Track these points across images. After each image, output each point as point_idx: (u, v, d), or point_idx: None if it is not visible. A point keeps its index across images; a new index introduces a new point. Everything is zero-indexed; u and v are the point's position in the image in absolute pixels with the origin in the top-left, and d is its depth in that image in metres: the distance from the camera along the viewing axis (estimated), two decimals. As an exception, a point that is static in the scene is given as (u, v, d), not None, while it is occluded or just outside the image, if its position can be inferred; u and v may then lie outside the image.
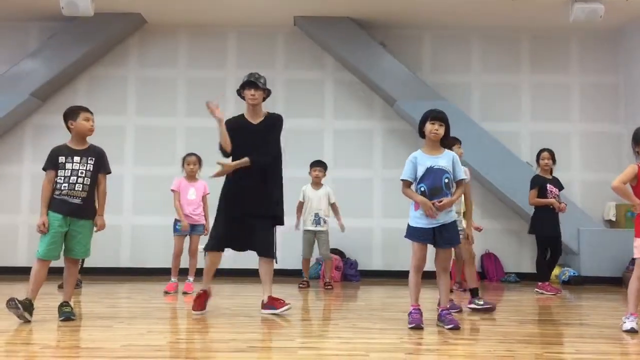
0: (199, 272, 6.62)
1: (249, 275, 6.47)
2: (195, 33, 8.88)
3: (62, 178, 4.45)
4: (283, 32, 8.87)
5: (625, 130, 8.39)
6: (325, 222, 7.24)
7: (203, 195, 6.60)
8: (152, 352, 3.46)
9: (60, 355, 3.43)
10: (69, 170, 4.47)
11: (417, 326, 4.21)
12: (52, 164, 4.49)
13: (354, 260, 8.32)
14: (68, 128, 4.60)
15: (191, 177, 6.61)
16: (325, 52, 8.84)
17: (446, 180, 4.29)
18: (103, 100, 8.59)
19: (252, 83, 4.89)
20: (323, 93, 8.86)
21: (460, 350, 3.67)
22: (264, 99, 4.99)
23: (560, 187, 7.01)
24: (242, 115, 5.02)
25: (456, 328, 4.20)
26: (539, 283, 6.82)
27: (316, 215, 7.22)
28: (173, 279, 6.47)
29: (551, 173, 7.00)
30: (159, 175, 8.22)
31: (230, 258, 7.89)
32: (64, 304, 4.49)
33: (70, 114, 4.58)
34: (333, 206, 7.32)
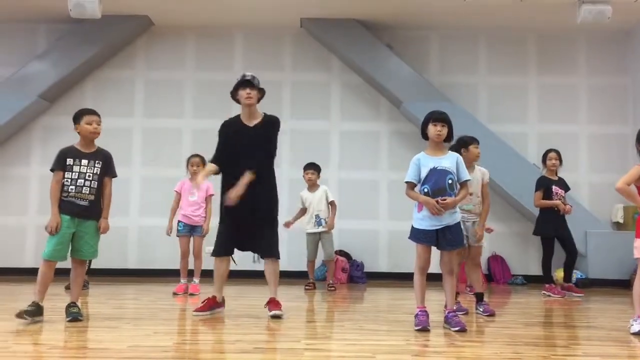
0: (205, 274, 6.66)
1: (253, 276, 6.49)
2: (203, 35, 8.91)
3: (70, 180, 4.47)
4: (290, 34, 8.88)
5: (633, 132, 8.33)
6: (326, 222, 7.23)
7: (207, 196, 6.60)
8: (159, 353, 3.47)
9: (67, 356, 3.44)
10: (77, 173, 4.48)
11: (424, 328, 4.20)
12: (59, 165, 4.50)
13: (360, 262, 8.31)
14: (77, 131, 4.64)
15: (195, 178, 6.62)
16: (331, 54, 8.84)
17: (450, 181, 4.29)
18: (110, 102, 8.64)
19: (247, 82, 4.77)
20: (329, 95, 8.86)
21: (467, 352, 3.65)
22: (258, 100, 4.86)
23: (566, 188, 6.99)
24: (238, 116, 4.91)
25: (463, 330, 4.19)
26: (546, 285, 6.80)
27: (317, 216, 7.21)
28: (182, 280, 6.49)
29: (557, 174, 6.98)
30: (166, 176, 8.24)
31: (235, 260, 7.88)
32: (72, 305, 4.50)
33: (75, 118, 4.61)
34: (331, 204, 7.29)
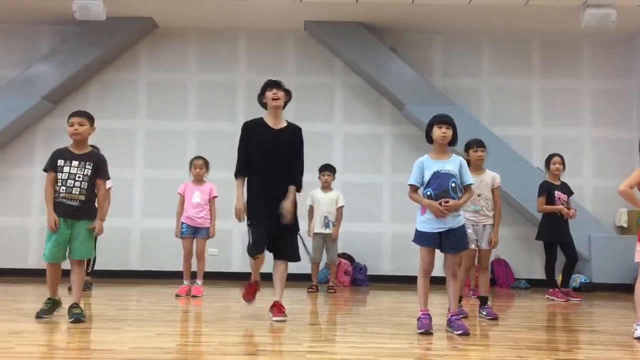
0: (207, 275, 6.66)
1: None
2: (206, 37, 8.92)
3: (60, 181, 4.54)
4: (293, 36, 8.89)
5: (637, 136, 8.31)
6: (334, 224, 7.25)
7: (210, 198, 6.59)
8: (161, 354, 3.47)
9: (69, 357, 3.45)
10: (67, 174, 4.54)
11: (427, 331, 4.19)
12: (51, 165, 4.58)
13: (363, 265, 8.30)
14: None
15: (198, 180, 6.61)
16: (335, 57, 8.85)
17: (453, 185, 4.28)
18: (114, 103, 8.67)
19: (274, 82, 4.81)
20: (333, 97, 8.86)
21: (470, 356, 3.64)
22: (285, 104, 4.87)
23: (569, 192, 6.96)
24: (262, 118, 4.88)
25: (466, 334, 4.18)
26: (550, 290, 6.78)
27: (325, 218, 7.24)
28: (185, 282, 6.49)
29: (559, 179, 6.95)
30: (169, 178, 8.23)
31: (239, 262, 7.88)
32: (74, 306, 4.52)
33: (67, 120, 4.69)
34: (339, 210, 7.31)
